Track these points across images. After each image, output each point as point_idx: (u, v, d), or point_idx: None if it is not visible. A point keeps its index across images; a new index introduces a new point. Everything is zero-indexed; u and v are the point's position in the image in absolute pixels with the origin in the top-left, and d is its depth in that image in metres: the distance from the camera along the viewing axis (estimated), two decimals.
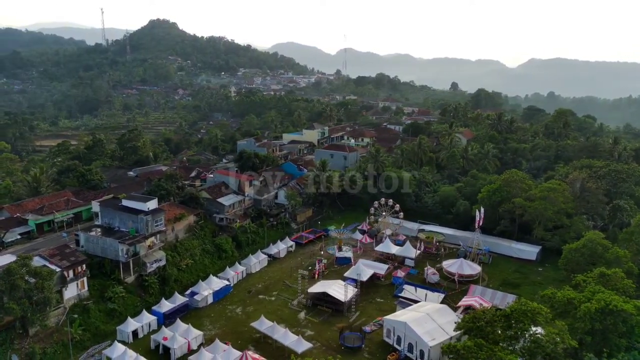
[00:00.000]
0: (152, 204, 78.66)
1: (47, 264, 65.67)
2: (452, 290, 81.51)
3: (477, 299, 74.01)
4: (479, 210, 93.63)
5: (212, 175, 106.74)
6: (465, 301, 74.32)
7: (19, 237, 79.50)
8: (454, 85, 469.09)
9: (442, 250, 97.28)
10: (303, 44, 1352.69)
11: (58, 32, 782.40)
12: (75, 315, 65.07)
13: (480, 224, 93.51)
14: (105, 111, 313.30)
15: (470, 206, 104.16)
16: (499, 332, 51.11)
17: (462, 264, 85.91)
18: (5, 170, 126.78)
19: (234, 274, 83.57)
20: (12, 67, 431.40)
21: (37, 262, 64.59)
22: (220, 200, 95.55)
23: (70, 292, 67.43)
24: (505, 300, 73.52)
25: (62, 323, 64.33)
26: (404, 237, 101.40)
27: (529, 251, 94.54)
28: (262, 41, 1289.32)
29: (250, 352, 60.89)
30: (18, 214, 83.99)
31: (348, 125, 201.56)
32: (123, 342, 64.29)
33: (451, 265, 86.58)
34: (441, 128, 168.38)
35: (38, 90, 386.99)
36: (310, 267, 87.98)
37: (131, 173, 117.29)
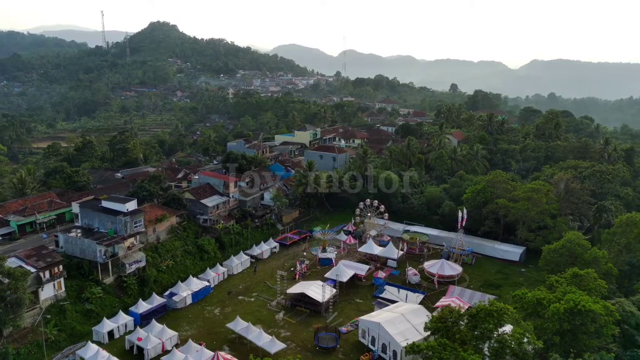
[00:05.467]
0: (132, 205, 78.90)
1: (23, 264, 65.90)
2: (432, 290, 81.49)
3: (454, 299, 73.87)
4: (462, 211, 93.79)
5: (197, 177, 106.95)
6: (442, 302, 74.12)
7: (0, 238, 79.90)
8: (454, 87, 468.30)
9: (426, 251, 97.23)
10: (305, 46, 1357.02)
11: (60, 34, 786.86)
12: (49, 316, 65.25)
13: (463, 224, 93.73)
14: (103, 113, 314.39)
15: (456, 207, 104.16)
16: (465, 332, 51.10)
17: (443, 265, 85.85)
18: None
19: (214, 275, 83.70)
20: (13, 69, 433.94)
21: (12, 262, 64.87)
22: (203, 201, 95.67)
23: (47, 292, 67.55)
24: (483, 300, 73.23)
25: (37, 323, 64.54)
26: (389, 238, 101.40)
27: (512, 252, 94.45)
28: (264, 43, 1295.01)
29: (222, 353, 61.00)
30: (0, 215, 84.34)
31: (341, 126, 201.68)
32: (98, 343, 64.56)
33: (432, 266, 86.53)
34: (432, 129, 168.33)
35: (37, 93, 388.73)
36: (292, 269, 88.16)
37: (118, 175, 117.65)
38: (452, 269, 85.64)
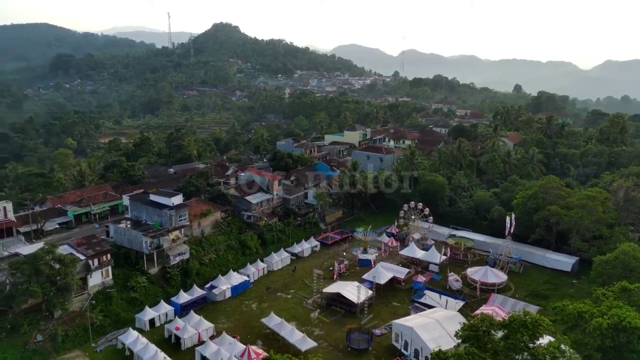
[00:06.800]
0: (177, 200, 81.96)
1: (74, 252, 70.23)
2: (473, 298, 79.02)
3: (495, 308, 71.20)
4: (510, 217, 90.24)
5: (243, 174, 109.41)
6: (482, 310, 71.62)
7: (57, 226, 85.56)
8: (517, 88, 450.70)
9: (470, 256, 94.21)
10: (365, 46, 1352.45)
11: (131, 35, 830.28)
12: (94, 302, 69.05)
13: (511, 231, 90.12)
14: (166, 111, 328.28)
15: (506, 213, 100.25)
16: (497, 342, 49.10)
17: (486, 272, 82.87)
18: (61, 165, 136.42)
19: (254, 270, 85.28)
20: (87, 68, 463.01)
21: (64, 250, 69.28)
22: (248, 198, 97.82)
23: (95, 279, 71.51)
24: (519, 310, 70.12)
25: (85, 308, 68.46)
26: (433, 242, 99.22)
27: (564, 262, 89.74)
28: (325, 43, 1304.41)
29: (253, 347, 61.96)
30: (59, 205, 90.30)
31: (392, 127, 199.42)
32: (140, 330, 67.62)
33: (475, 272, 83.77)
34: (487, 131, 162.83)
35: (107, 91, 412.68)
36: (331, 268, 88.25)
37: (171, 170, 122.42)
38: (496, 276, 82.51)
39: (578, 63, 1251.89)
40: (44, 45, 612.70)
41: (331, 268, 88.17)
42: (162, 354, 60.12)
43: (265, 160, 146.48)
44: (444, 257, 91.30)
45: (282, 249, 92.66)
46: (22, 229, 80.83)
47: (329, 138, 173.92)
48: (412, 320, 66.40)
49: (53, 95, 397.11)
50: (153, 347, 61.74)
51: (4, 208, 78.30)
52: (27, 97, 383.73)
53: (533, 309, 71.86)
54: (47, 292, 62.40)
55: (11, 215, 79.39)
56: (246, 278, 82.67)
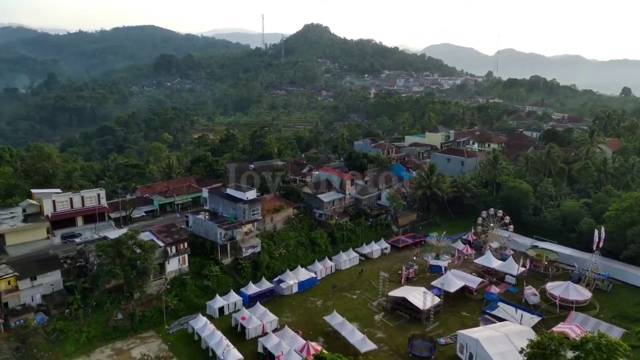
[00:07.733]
0: (251, 194, 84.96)
1: (155, 238, 75.30)
2: (551, 314, 73.89)
3: (573, 327, 66.08)
4: (599, 231, 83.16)
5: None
6: (559, 328, 66.78)
7: (144, 214, 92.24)
8: (626, 91, 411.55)
9: (552, 270, 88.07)
10: (459, 45, 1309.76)
11: (228, 37, 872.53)
12: (169, 286, 73.56)
13: (600, 245, 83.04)
14: (255, 109, 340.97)
15: (596, 225, 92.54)
16: None
17: (568, 288, 77.09)
18: (155, 157, 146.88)
19: (322, 267, 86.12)
20: (186, 68, 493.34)
21: (146, 236, 74.50)
22: (320, 196, 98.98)
23: (172, 265, 76.15)
24: (609, 333, 64.23)
25: (161, 292, 73.17)
26: (512, 252, 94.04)
27: None
28: (416, 43, 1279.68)
29: (313, 343, 62.61)
30: (147, 195, 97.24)
31: (478, 129, 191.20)
32: (209, 317, 71.05)
33: (555, 287, 78.27)
34: (582, 137, 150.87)
35: (203, 89, 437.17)
36: (399, 272, 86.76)
37: (251, 166, 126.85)
38: (579, 293, 76.42)
39: None
40: (150, 45, 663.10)
41: (399, 272, 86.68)
42: (226, 341, 62.50)
43: (341, 159, 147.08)
44: (523, 269, 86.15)
45: (351, 249, 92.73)
46: (113, 215, 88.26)
47: (409, 139, 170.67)
48: (479, 332, 63.54)
49: (155, 93, 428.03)
50: (219, 334, 64.42)
51: (98, 195, 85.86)
52: (133, 94, 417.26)
53: (617, 331, 66.21)
54: (128, 274, 67.40)
55: (104, 202, 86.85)
56: (313, 275, 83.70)
